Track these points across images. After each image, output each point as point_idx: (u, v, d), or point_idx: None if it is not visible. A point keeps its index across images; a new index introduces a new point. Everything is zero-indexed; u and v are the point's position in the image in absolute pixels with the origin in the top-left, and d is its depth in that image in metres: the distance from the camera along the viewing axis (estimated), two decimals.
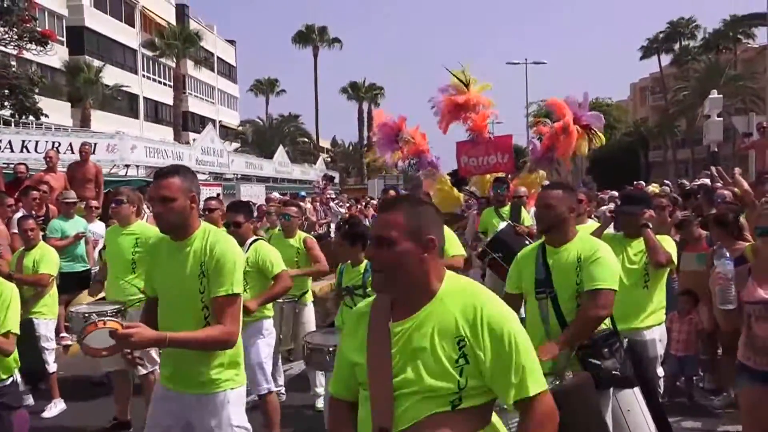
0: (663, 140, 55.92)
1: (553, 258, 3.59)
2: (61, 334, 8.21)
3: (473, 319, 2.05)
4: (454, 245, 5.51)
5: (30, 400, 6.38)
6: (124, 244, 5.56)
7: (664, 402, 5.93)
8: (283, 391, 6.46)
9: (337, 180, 41.71)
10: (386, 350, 2.08)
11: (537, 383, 2.07)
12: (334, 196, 19.98)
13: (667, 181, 15.78)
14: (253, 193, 22.32)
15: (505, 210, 7.74)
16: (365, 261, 5.11)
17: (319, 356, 4.68)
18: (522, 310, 3.75)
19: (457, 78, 10.42)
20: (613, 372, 3.44)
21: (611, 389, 3.54)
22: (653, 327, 4.58)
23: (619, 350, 3.53)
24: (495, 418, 2.21)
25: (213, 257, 3.13)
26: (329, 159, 64.17)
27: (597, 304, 3.42)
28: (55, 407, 6.28)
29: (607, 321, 3.58)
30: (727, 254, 3.70)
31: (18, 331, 3.80)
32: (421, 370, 2.04)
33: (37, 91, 18.10)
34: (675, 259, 4.68)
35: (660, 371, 4.75)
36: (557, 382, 3.10)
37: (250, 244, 5.34)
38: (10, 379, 3.81)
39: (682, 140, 53.82)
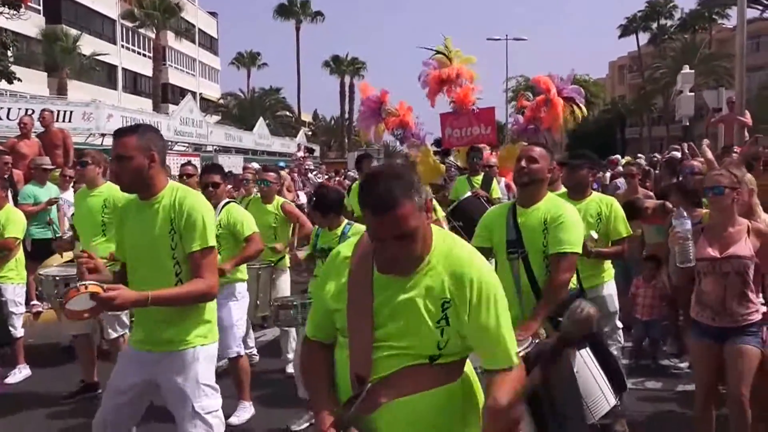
0: (639, 117, 56.62)
1: (523, 218, 3.62)
2: (32, 302, 8.13)
3: (461, 283, 2.05)
4: (437, 210, 5.79)
5: None
6: (92, 206, 5.48)
7: (630, 364, 6.14)
8: (255, 353, 6.47)
9: (317, 153, 41.52)
10: (368, 300, 2.08)
11: (511, 358, 2.12)
12: (313, 167, 19.89)
13: (640, 155, 15.91)
14: (231, 164, 22.12)
15: (477, 179, 7.77)
16: (343, 224, 5.12)
17: (287, 312, 4.68)
18: None
19: (440, 52, 10.46)
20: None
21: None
22: (608, 282, 4.69)
23: None
24: (469, 366, 2.23)
25: (183, 214, 3.11)
26: (310, 133, 63.86)
27: (562, 267, 3.50)
28: (20, 373, 6.21)
29: (574, 280, 3.65)
30: (685, 214, 3.84)
31: None
32: (402, 326, 2.05)
33: (10, 55, 17.72)
34: (629, 228, 4.71)
35: (619, 324, 4.84)
36: (536, 341, 3.16)
37: (223, 206, 5.31)
38: None
39: (658, 117, 54.45)
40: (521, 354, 2.88)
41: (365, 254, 2.14)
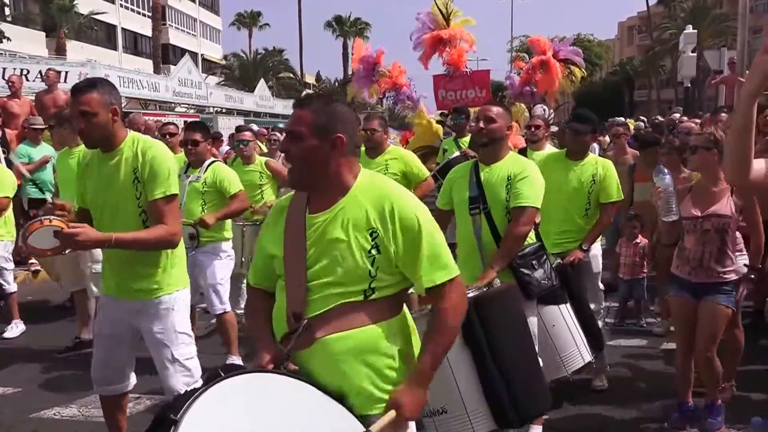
0: (648, 80, 55.84)
1: (486, 175, 3.71)
2: (30, 261, 8.22)
3: (383, 211, 2.12)
4: (422, 169, 5.74)
5: None
6: (73, 165, 5.50)
7: (615, 323, 6.21)
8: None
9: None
10: (301, 240, 2.16)
11: (446, 270, 2.17)
12: None
13: (642, 117, 15.78)
14: (230, 126, 22.04)
15: (465, 140, 7.74)
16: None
17: None
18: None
19: (439, 9, 10.27)
20: (542, 281, 3.63)
21: (535, 304, 3.72)
22: (594, 243, 4.72)
23: (546, 262, 3.73)
24: (405, 309, 2.29)
25: (146, 163, 3.16)
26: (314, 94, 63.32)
27: (520, 221, 3.59)
28: (16, 328, 6.33)
29: (533, 236, 3.76)
30: (665, 170, 4.00)
31: None
32: (334, 260, 2.12)
33: (8, 14, 17.57)
34: (620, 192, 4.74)
35: (600, 285, 4.90)
36: (485, 289, 3.26)
37: (208, 165, 5.32)
38: None
39: (667, 80, 53.79)
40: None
41: (300, 198, 2.25)
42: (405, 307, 2.30)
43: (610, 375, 4.95)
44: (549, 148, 6.22)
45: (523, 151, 6.13)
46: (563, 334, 4.04)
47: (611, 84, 55.31)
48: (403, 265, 2.14)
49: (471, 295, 2.98)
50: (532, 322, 3.57)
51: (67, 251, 3.26)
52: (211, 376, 1.95)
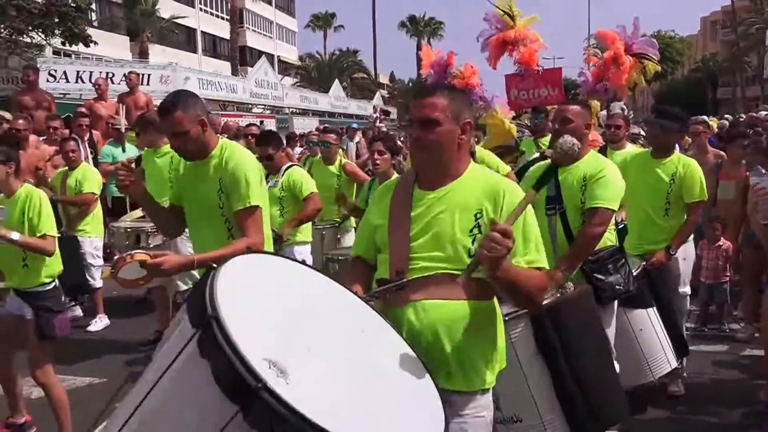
0: (732, 76, 53.42)
1: (563, 175, 3.63)
2: (115, 257, 8.57)
3: (493, 195, 2.24)
4: (501, 165, 5.73)
5: (78, 312, 6.79)
6: (159, 164, 5.73)
7: (696, 328, 5.99)
8: None
9: (394, 116, 41.42)
10: (407, 212, 2.29)
11: (541, 260, 2.28)
12: (385, 129, 19.89)
13: (727, 115, 15.13)
14: (305, 127, 22.44)
15: (545, 140, 7.60)
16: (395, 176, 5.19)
17: (334, 265, 4.86)
18: None
19: (503, 11, 10.19)
20: (617, 287, 3.52)
21: (615, 305, 3.61)
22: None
23: (624, 267, 3.61)
24: (496, 302, 2.32)
25: (228, 173, 3.23)
26: (387, 95, 63.74)
27: (594, 221, 3.53)
28: (100, 322, 6.64)
29: (613, 238, 3.67)
30: (763, 171, 3.88)
31: (54, 234, 4.01)
32: (436, 236, 2.23)
33: (93, 20, 18.43)
34: (704, 192, 4.57)
35: (686, 290, 4.74)
36: (558, 294, 3.18)
37: (285, 169, 5.45)
38: (53, 284, 4.05)
39: (753, 77, 51.29)
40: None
41: (409, 175, 2.42)
42: (496, 301, 2.32)
43: (689, 381, 4.79)
44: (630, 148, 6.04)
45: (602, 150, 6.01)
46: (650, 339, 3.93)
47: (693, 81, 53.42)
48: None
49: (545, 302, 2.90)
50: (609, 325, 3.48)
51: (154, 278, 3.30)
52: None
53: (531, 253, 2.23)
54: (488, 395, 2.29)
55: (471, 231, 2.21)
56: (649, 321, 3.93)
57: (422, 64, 10.98)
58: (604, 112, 9.61)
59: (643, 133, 8.38)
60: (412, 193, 2.31)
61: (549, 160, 3.83)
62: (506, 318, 2.83)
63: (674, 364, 4.10)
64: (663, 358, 4.01)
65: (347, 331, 2.00)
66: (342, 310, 2.07)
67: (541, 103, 9.97)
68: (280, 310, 1.85)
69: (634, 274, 3.75)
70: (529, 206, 2.25)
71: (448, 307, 2.18)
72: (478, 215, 2.22)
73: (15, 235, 3.85)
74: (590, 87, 10.18)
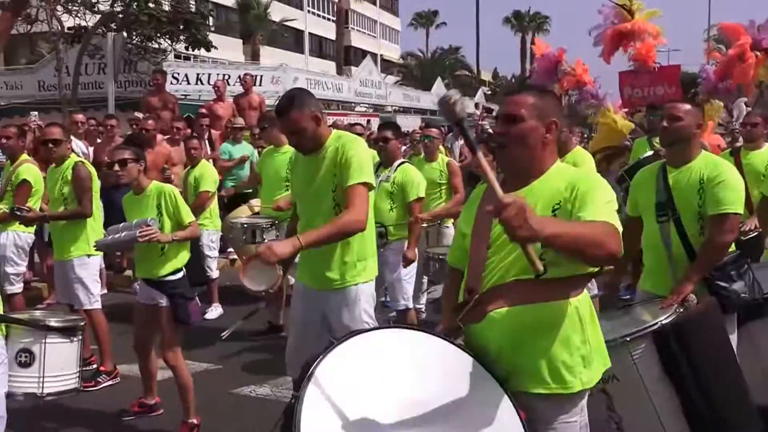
0: None
1: (674, 178, 3.43)
2: (228, 249, 9.01)
3: (572, 188, 2.22)
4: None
5: (196, 298, 7.17)
6: (279, 162, 5.99)
7: None
8: (423, 309, 6.73)
9: (497, 113, 40.85)
10: (488, 219, 2.26)
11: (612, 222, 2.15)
12: (488, 126, 19.67)
13: None
14: (408, 125, 22.54)
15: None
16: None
17: (434, 264, 4.90)
18: None
19: (621, 5, 9.83)
20: (742, 294, 3.30)
21: (735, 319, 3.39)
22: None
23: (747, 273, 3.38)
24: (586, 296, 2.28)
25: (344, 155, 3.32)
26: (490, 92, 63.06)
27: (724, 229, 3.30)
28: (215, 310, 7.01)
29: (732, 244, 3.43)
30: None
31: (193, 218, 4.34)
32: None
33: (211, 25, 19.36)
34: None
35: None
36: (681, 310, 3.01)
37: (398, 165, 5.51)
38: (182, 273, 4.32)
39: None
40: (660, 325, 2.79)
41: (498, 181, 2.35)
42: (588, 297, 2.29)
43: None
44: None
45: (735, 152, 5.76)
46: None
47: None
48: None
49: (669, 320, 2.81)
50: (732, 339, 3.27)
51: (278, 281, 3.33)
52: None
53: (588, 213, 2.13)
54: (580, 398, 2.23)
55: None
56: None
57: (535, 59, 10.82)
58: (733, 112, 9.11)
59: None
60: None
61: (658, 163, 3.71)
62: (628, 338, 2.77)
63: None
64: None
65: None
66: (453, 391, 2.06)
67: (656, 102, 9.58)
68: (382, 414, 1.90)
69: None
70: (602, 180, 2.26)
71: (525, 313, 2.18)
72: (556, 207, 2.20)
73: (169, 237, 4.17)
74: (712, 85, 9.66)
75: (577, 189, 2.20)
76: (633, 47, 9.78)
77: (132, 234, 4.14)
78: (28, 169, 5.74)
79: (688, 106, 3.50)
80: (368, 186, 3.31)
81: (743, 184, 3.45)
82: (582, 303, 2.26)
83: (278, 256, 2.98)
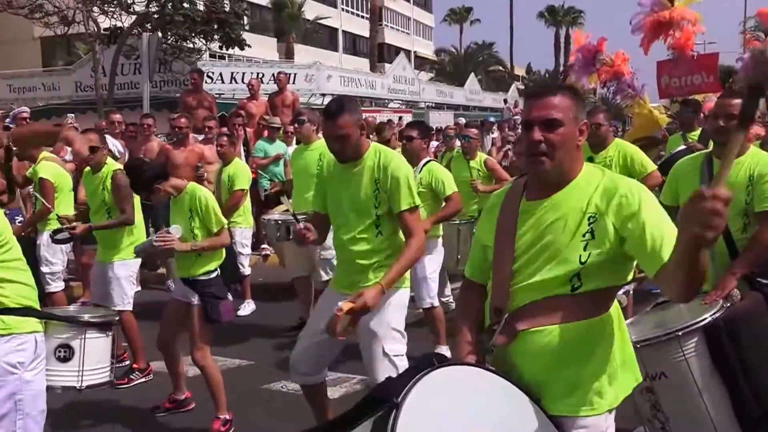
0: None
1: None
2: (261, 246, 9.07)
3: (609, 195, 2.07)
4: (646, 162, 5.38)
5: (229, 298, 7.22)
6: (308, 160, 5.98)
7: None
8: (451, 300, 6.67)
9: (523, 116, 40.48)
10: (512, 228, 2.16)
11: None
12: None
13: None
14: (441, 120, 22.48)
15: (694, 135, 7.14)
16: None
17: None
18: None
19: None
20: None
21: None
22: None
23: None
24: (617, 310, 2.18)
25: (387, 175, 3.34)
26: (523, 87, 62.57)
27: None
28: (248, 307, 7.04)
29: None
30: None
31: (225, 223, 4.36)
32: (545, 246, 2.09)
33: (245, 24, 19.53)
34: None
35: None
36: (727, 305, 2.92)
37: (424, 164, 5.46)
38: (215, 273, 4.34)
39: None
40: (711, 320, 2.71)
41: (516, 187, 2.26)
42: (618, 308, 2.19)
43: None
44: None
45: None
46: None
47: None
48: (630, 242, 2.03)
49: (716, 315, 2.74)
50: None
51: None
52: (422, 365, 1.98)
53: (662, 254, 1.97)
54: (610, 417, 2.15)
55: (584, 236, 2.05)
56: None
57: (572, 51, 10.67)
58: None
59: None
60: (519, 206, 2.18)
61: (701, 153, 3.59)
62: (679, 333, 2.72)
63: None
64: None
65: None
66: None
67: (694, 92, 9.38)
68: None
69: None
70: (657, 204, 2.07)
71: (556, 333, 2.07)
72: (592, 219, 2.05)
73: (187, 246, 4.20)
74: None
75: (614, 203, 2.06)
76: (672, 36, 9.58)
77: (150, 240, 4.24)
78: (44, 168, 5.85)
79: (739, 101, 3.38)
80: (419, 207, 3.45)
81: None
82: (614, 316, 2.18)
83: (371, 307, 3.15)
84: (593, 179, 2.13)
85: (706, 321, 2.74)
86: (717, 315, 2.77)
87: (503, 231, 2.19)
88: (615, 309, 2.19)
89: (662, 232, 1.99)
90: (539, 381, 2.09)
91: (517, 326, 2.10)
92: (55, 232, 5.29)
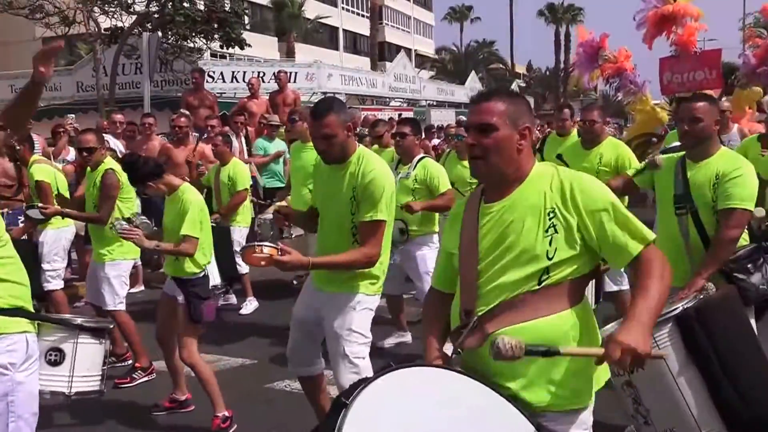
0: None
1: (692, 172, 3.47)
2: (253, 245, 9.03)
3: (563, 190, 2.13)
4: (634, 161, 5.33)
5: (233, 299, 7.22)
6: (306, 158, 5.96)
7: None
8: None
9: (532, 105, 40.56)
10: (475, 231, 2.19)
11: (645, 235, 2.13)
12: None
13: None
14: (443, 119, 22.45)
15: None
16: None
17: None
18: None
19: None
20: (760, 287, 3.32)
21: (753, 312, 3.35)
22: None
23: (764, 266, 3.39)
24: (587, 302, 2.21)
25: (364, 183, 3.31)
26: (524, 84, 62.50)
27: (730, 224, 3.34)
28: (250, 305, 7.03)
29: (747, 237, 3.50)
30: None
31: (196, 235, 4.19)
32: (509, 245, 2.12)
33: (245, 23, 19.52)
34: None
35: None
36: (701, 296, 2.97)
37: (418, 161, 5.46)
38: (202, 273, 4.34)
39: None
40: (681, 309, 2.74)
41: (475, 193, 2.31)
42: (587, 300, 2.21)
43: None
44: None
45: (765, 137, 5.58)
46: None
47: None
48: (596, 237, 2.10)
49: (690, 304, 2.77)
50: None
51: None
52: (382, 367, 1.98)
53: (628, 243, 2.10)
54: (587, 412, 2.17)
55: (547, 231, 2.10)
56: None
57: (578, 45, 10.67)
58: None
59: None
60: (479, 209, 2.21)
61: (677, 154, 3.67)
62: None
63: None
64: None
65: None
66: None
67: (696, 88, 9.37)
68: None
69: None
70: (614, 196, 2.16)
71: (527, 330, 2.06)
72: (552, 214, 2.10)
73: (152, 244, 4.22)
74: (751, 69, 9.43)
75: (569, 197, 2.11)
76: (675, 33, 9.59)
77: (118, 224, 4.29)
78: (39, 170, 5.87)
79: (705, 105, 3.49)
80: (385, 222, 3.34)
81: (757, 182, 3.45)
82: (583, 310, 2.18)
83: (287, 269, 3.30)
84: (545, 176, 2.18)
85: (678, 311, 2.75)
86: (688, 305, 2.79)
87: (467, 235, 2.22)
88: (585, 303, 2.20)
89: (624, 221, 2.10)
90: (512, 378, 2.08)
91: (487, 327, 2.10)
92: (28, 207, 5.35)
